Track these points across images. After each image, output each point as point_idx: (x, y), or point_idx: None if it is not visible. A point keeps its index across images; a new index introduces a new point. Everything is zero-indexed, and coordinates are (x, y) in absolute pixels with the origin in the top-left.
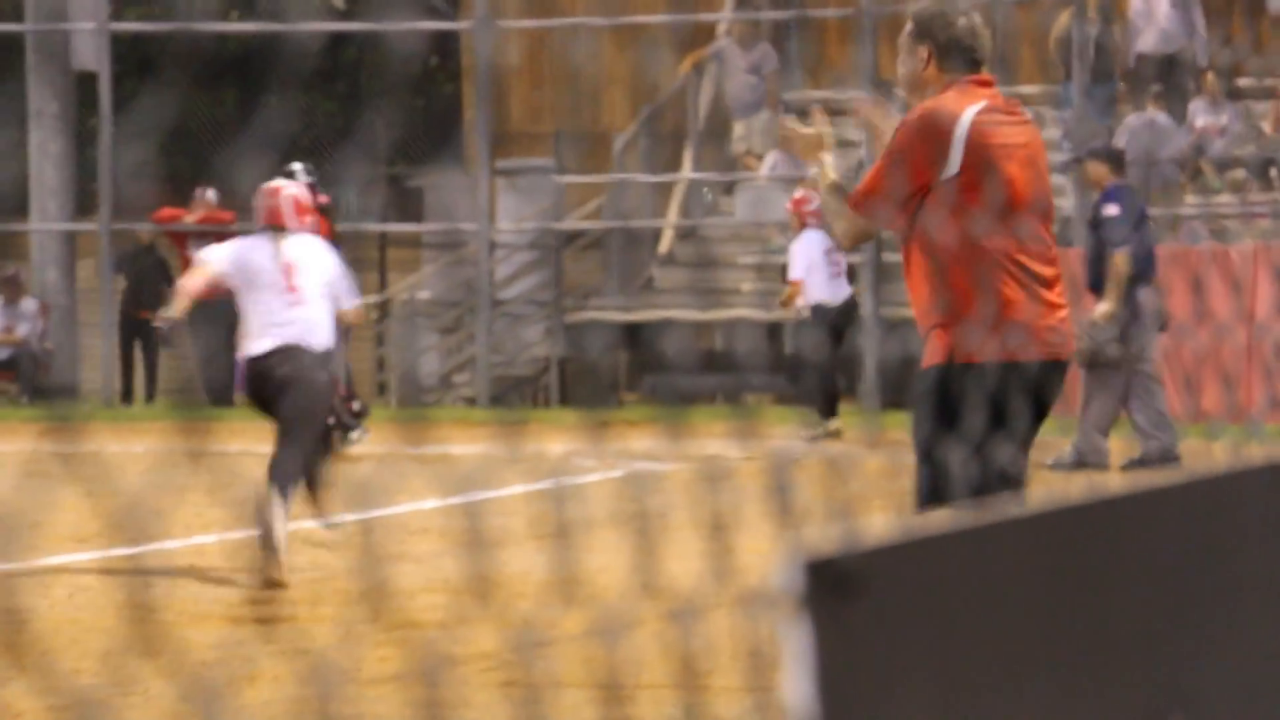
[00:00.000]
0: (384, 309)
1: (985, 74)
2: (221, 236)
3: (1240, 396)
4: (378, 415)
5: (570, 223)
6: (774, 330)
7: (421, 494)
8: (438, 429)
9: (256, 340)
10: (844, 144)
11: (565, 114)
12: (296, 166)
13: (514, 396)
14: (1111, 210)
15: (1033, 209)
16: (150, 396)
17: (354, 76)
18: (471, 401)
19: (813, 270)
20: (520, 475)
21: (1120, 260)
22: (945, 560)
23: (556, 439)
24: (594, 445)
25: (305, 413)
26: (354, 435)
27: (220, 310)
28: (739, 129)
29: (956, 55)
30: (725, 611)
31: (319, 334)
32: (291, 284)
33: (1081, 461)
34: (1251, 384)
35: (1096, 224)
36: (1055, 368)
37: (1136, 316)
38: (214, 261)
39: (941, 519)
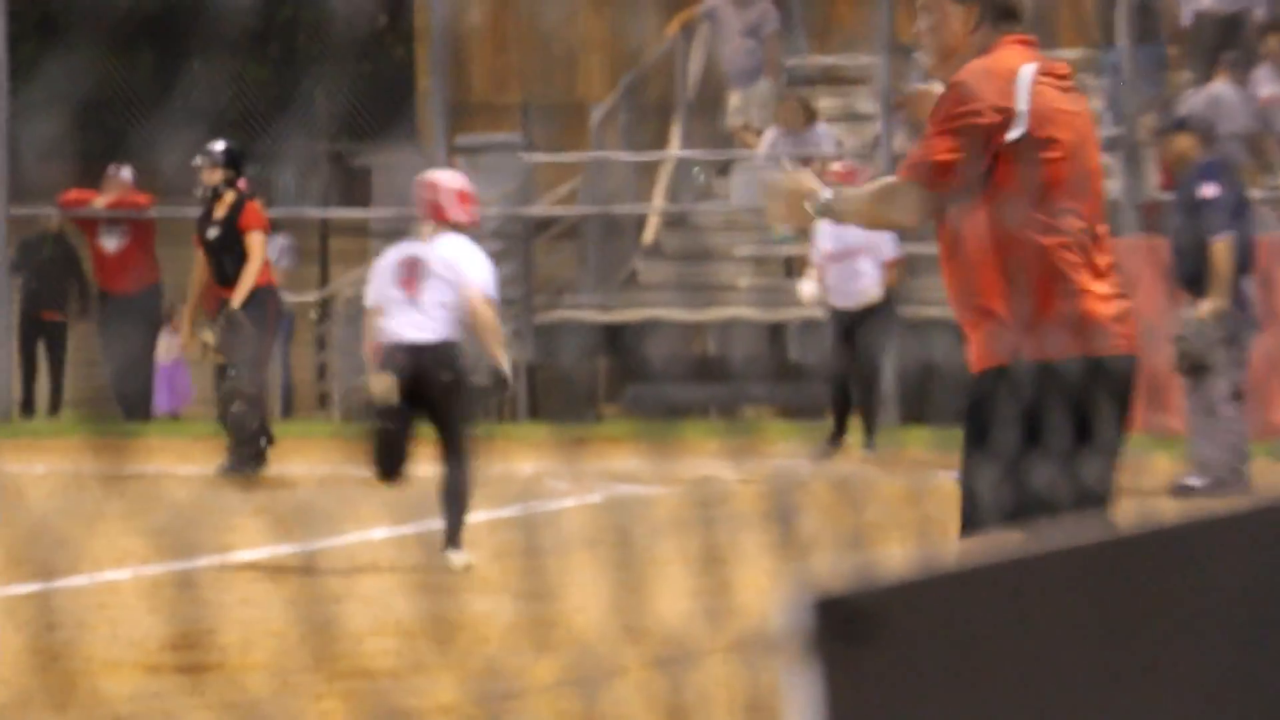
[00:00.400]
0: (325, 308)
1: (1027, 34)
2: (137, 224)
3: None
4: (319, 430)
5: (540, 208)
6: (776, 332)
7: (369, 522)
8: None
9: (388, 334)
10: (856, 117)
11: (534, 83)
12: (217, 145)
13: (475, 409)
14: (1210, 191)
15: (1093, 187)
16: (55, 408)
17: (290, 39)
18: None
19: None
20: (483, 500)
21: (1222, 249)
22: (974, 599)
23: (525, 458)
24: (568, 465)
25: (439, 414)
26: (233, 467)
27: (136, 307)
28: (734, 100)
29: (1000, 13)
30: (720, 658)
31: (434, 329)
32: (408, 279)
33: (1221, 482)
34: None
35: (1191, 207)
36: (1134, 365)
37: (1244, 313)
38: (370, 303)
39: (970, 551)
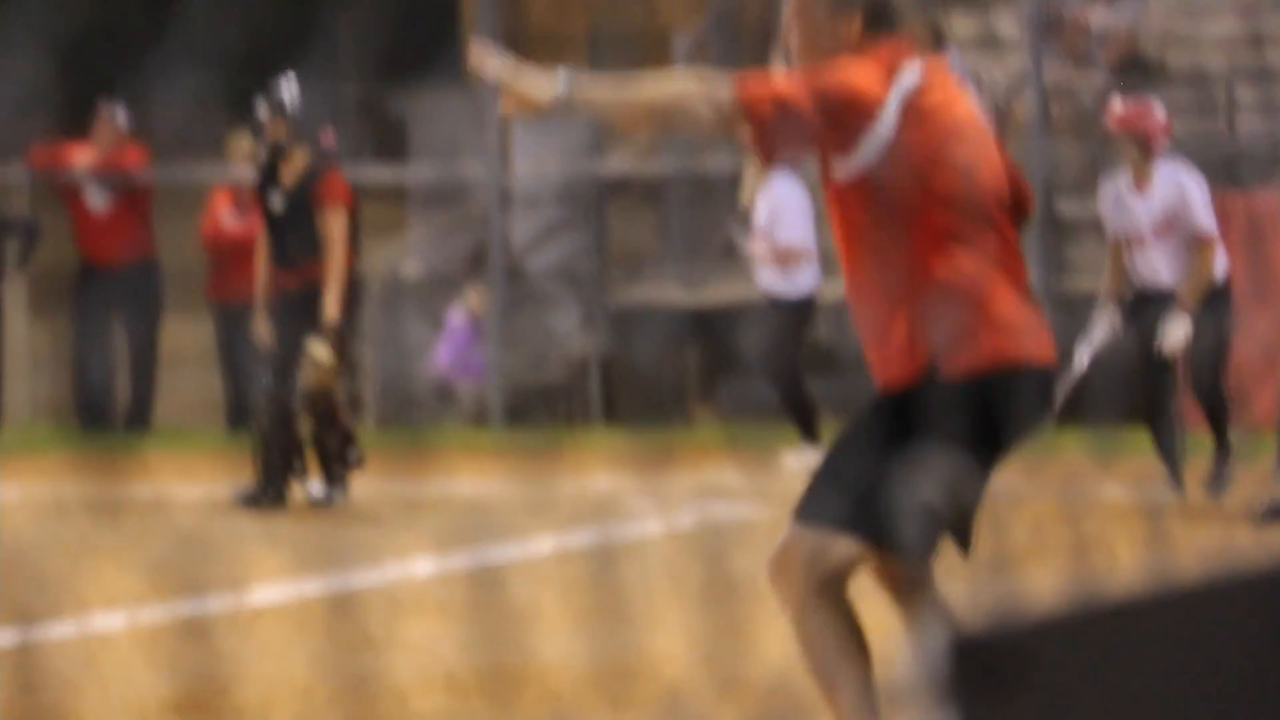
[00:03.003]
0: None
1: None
2: (131, 191)
3: None
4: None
5: (614, 165)
6: None
7: (413, 552)
8: (434, 459)
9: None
10: (997, 43)
11: (605, 7)
12: (283, 88)
13: (540, 412)
14: None
15: (985, 183)
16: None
17: None
18: (481, 419)
19: None
20: (550, 524)
21: None
22: (1138, 639)
23: (599, 472)
24: (652, 481)
25: None
26: (323, 494)
27: (128, 285)
28: None
29: (879, 18)
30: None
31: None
32: (1156, 230)
33: None
34: None
35: None
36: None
37: None
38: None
39: (1135, 581)
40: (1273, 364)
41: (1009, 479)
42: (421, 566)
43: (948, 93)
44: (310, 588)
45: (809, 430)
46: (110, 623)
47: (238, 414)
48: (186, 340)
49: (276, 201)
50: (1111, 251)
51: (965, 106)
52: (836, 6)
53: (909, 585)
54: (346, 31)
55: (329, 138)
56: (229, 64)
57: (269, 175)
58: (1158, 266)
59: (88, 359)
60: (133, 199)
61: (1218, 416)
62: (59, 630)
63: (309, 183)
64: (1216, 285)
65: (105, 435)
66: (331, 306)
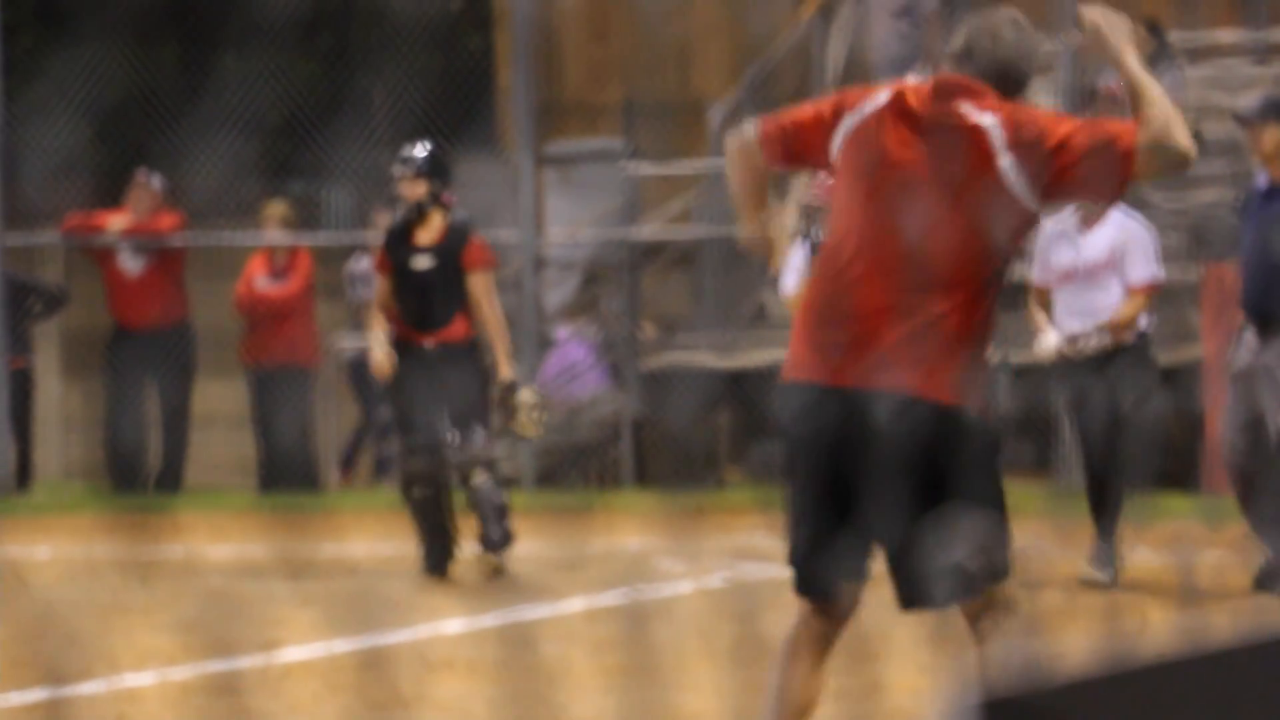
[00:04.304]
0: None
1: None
2: (165, 255)
3: None
4: (382, 500)
5: (648, 230)
6: None
7: (444, 611)
8: (466, 519)
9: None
10: None
11: (639, 77)
12: (418, 150)
13: (571, 474)
14: None
15: (879, 217)
16: (24, 479)
17: (343, 28)
18: (512, 481)
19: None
20: (581, 584)
21: None
22: (1165, 699)
23: (631, 533)
24: (683, 541)
25: None
26: (495, 558)
27: (160, 347)
28: None
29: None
30: None
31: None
32: (1091, 268)
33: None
34: None
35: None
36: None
37: None
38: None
39: (1162, 643)
40: None
41: (1043, 542)
42: (452, 625)
43: (894, 124)
44: (340, 646)
45: None
46: (141, 681)
47: (269, 475)
48: (218, 402)
49: (421, 261)
50: (1037, 297)
51: (909, 136)
52: None
53: (975, 625)
54: (382, 99)
55: (450, 198)
56: (263, 130)
57: (402, 235)
58: (1080, 308)
59: (120, 420)
60: (166, 262)
61: (1113, 487)
62: (90, 688)
63: (457, 245)
64: (1131, 344)
65: (137, 495)
66: (505, 366)
